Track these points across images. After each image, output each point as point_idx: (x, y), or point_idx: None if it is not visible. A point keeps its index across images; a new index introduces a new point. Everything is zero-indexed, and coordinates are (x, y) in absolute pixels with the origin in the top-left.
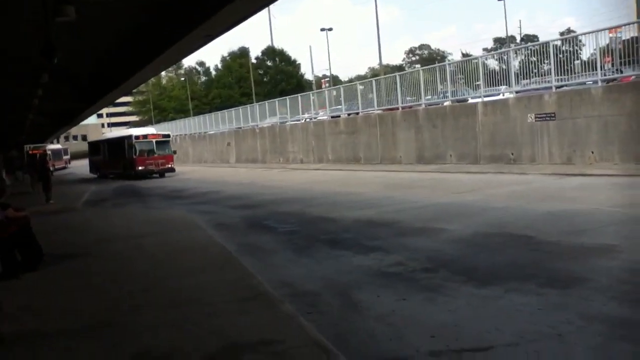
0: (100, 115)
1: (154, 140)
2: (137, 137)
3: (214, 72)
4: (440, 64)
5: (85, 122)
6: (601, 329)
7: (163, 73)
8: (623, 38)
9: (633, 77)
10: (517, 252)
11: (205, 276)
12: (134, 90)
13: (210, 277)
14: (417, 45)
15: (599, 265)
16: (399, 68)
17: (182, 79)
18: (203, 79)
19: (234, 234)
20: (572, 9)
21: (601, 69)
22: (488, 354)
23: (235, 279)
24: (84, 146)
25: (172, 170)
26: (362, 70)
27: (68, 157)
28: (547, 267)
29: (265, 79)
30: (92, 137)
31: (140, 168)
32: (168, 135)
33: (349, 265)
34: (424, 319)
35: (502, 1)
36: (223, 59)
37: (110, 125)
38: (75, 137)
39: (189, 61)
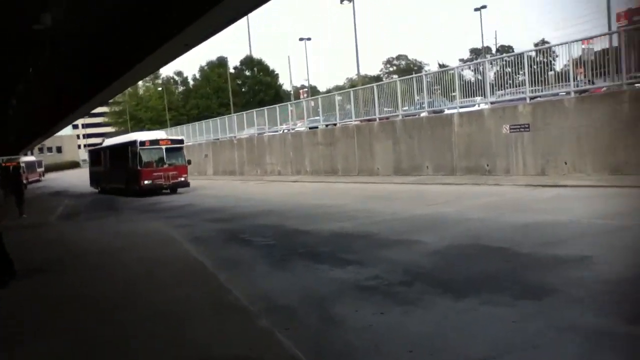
0: (75, 126)
1: (163, 147)
2: (142, 143)
3: (191, 82)
4: (417, 74)
5: (61, 133)
6: (576, 340)
7: (140, 83)
8: (595, 50)
9: (604, 88)
10: (492, 264)
11: (182, 291)
12: (110, 101)
13: (186, 292)
14: (394, 55)
15: (573, 276)
16: (377, 78)
17: (160, 88)
18: (181, 88)
19: (210, 248)
20: (548, 20)
21: (574, 80)
22: None
23: (211, 293)
24: (58, 158)
25: (186, 184)
26: (341, 81)
27: (42, 169)
28: (522, 278)
29: (243, 89)
30: (67, 149)
31: (146, 182)
32: (181, 141)
33: (326, 279)
34: (401, 333)
35: (479, 12)
36: (201, 69)
37: (86, 136)
38: (50, 149)
39: (167, 71)
